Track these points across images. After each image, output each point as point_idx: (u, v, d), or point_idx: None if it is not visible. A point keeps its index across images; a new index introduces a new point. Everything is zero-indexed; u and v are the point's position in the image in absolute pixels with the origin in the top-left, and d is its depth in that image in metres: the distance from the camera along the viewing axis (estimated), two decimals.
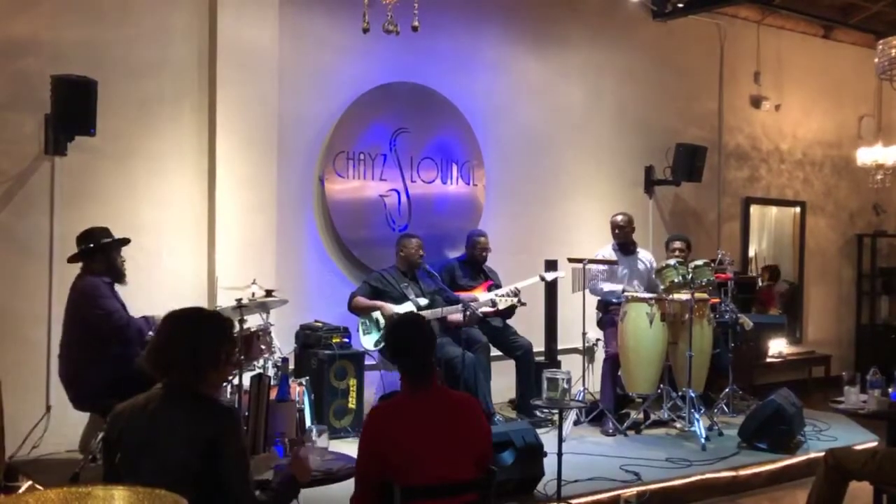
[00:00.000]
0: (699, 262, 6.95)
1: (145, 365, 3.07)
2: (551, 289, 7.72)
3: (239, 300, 5.56)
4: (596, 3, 8.80)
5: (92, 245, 5.34)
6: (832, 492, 4.58)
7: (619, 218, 7.63)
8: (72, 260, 5.41)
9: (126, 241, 5.54)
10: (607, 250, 7.53)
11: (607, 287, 7.41)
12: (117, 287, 5.47)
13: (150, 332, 5.37)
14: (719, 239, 9.75)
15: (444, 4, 7.53)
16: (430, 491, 3.16)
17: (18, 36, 5.92)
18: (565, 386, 4.82)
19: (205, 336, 3.05)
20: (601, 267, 7.41)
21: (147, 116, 6.40)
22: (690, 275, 6.76)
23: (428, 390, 3.36)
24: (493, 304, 6.91)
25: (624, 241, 7.58)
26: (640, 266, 7.61)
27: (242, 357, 5.42)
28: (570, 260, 7.21)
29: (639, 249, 7.72)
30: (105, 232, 5.44)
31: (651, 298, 6.87)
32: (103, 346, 5.24)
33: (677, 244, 7.75)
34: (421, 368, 3.36)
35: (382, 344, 6.68)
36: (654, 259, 7.74)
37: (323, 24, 7.15)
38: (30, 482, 5.28)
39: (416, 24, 4.58)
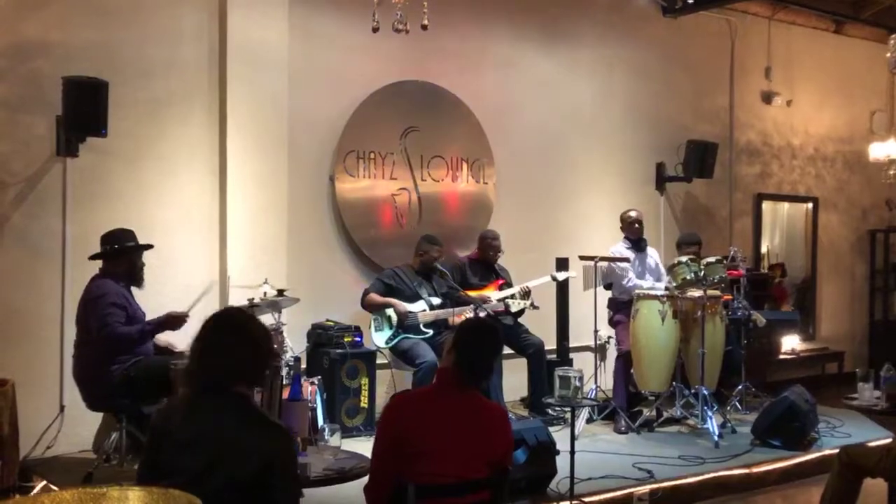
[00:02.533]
0: (711, 259, 6.93)
1: (198, 372, 2.90)
2: (563, 287, 7.71)
3: (251, 300, 5.58)
4: (605, 0, 8.79)
5: (115, 247, 5.36)
6: (847, 489, 4.57)
7: (635, 213, 7.60)
8: (94, 258, 5.43)
9: (149, 247, 5.57)
10: (620, 247, 7.50)
11: (646, 285, 7.30)
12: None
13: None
14: (731, 235, 9.72)
15: (454, 3, 7.52)
16: (444, 489, 3.16)
17: (29, 38, 5.94)
18: (577, 384, 4.81)
19: (261, 336, 2.99)
20: (621, 264, 7.33)
21: (158, 117, 6.42)
22: (703, 272, 6.74)
23: (462, 389, 3.36)
24: (506, 307, 6.90)
25: (639, 237, 7.55)
26: (651, 263, 7.59)
27: None
28: (582, 258, 7.20)
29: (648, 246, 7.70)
30: (130, 235, 5.46)
31: (663, 295, 6.85)
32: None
33: (690, 249, 7.69)
34: (481, 371, 3.40)
35: (395, 341, 6.69)
36: (660, 256, 7.73)
37: (332, 23, 7.15)
38: (44, 482, 5.30)
39: (425, 22, 4.58)
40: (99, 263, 5.46)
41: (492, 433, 3.35)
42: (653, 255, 7.65)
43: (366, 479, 3.41)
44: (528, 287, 7.02)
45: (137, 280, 5.49)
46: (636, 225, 7.54)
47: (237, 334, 2.96)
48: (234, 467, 2.76)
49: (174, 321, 5.37)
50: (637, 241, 7.55)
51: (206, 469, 2.74)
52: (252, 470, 2.76)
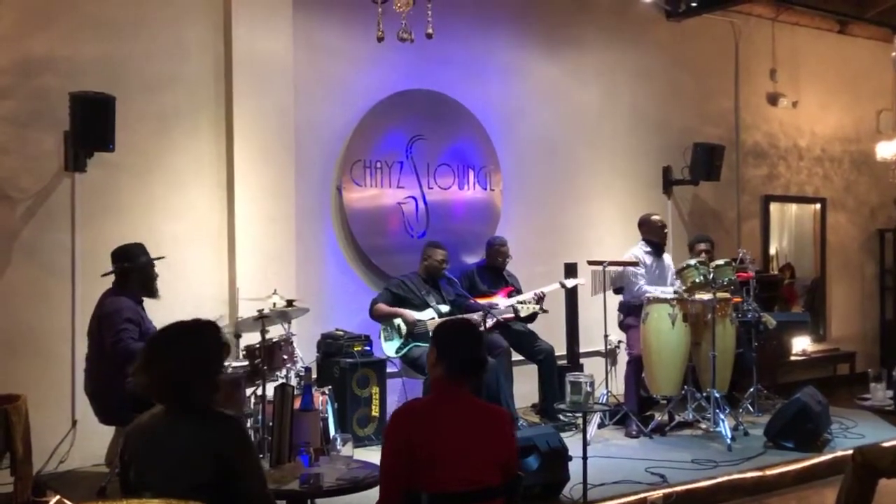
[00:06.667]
0: (720, 262, 6.92)
1: (139, 388, 2.96)
2: (572, 292, 7.70)
3: (260, 311, 5.58)
4: (609, 4, 8.79)
5: (129, 265, 5.38)
6: (861, 490, 4.53)
7: (660, 217, 7.58)
8: (107, 275, 5.45)
9: (160, 258, 5.59)
10: (639, 251, 7.44)
11: (657, 291, 7.17)
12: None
13: None
14: (739, 238, 9.70)
15: (458, 11, 7.55)
16: (457, 497, 3.15)
17: (36, 54, 5.97)
18: (588, 389, 4.81)
19: (206, 348, 3.01)
20: (639, 270, 7.29)
21: (165, 130, 6.44)
22: (712, 274, 6.73)
23: (460, 395, 3.34)
24: (515, 311, 6.89)
25: (662, 242, 7.52)
26: (667, 269, 7.54)
27: (266, 367, 5.45)
28: (590, 262, 7.18)
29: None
30: (141, 248, 5.48)
31: (673, 299, 6.84)
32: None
33: (702, 246, 7.70)
34: (468, 368, 3.33)
35: (405, 350, 6.69)
36: (674, 261, 7.71)
37: (337, 33, 7.18)
38: (57, 497, 5.30)
39: (430, 31, 4.58)
40: (111, 277, 5.47)
41: (497, 436, 3.32)
42: (668, 261, 7.61)
43: (377, 490, 3.39)
44: (542, 292, 7.01)
45: (152, 291, 5.50)
46: (665, 229, 7.53)
47: (172, 344, 3.00)
48: (191, 473, 2.79)
49: None
50: (660, 246, 7.51)
51: (167, 481, 2.76)
52: (209, 468, 2.80)
